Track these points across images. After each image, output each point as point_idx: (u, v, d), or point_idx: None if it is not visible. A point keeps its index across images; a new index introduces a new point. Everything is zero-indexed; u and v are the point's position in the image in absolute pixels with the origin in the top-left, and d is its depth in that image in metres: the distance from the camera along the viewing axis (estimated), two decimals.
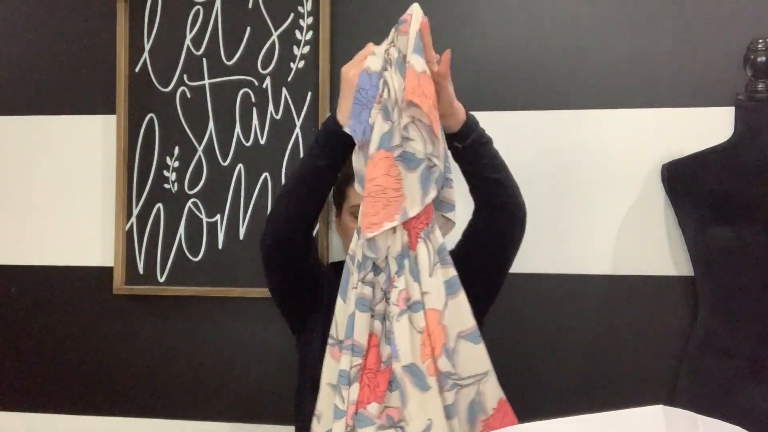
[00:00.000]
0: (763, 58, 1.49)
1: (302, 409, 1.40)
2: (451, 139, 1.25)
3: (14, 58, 1.86)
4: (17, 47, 1.86)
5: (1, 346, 1.86)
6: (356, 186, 1.26)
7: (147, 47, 1.78)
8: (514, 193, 1.29)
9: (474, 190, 1.30)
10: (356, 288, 1.20)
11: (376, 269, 1.21)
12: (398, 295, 1.18)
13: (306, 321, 1.44)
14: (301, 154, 1.70)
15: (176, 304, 1.77)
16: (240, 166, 1.74)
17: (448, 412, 1.17)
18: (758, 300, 1.48)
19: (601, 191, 1.62)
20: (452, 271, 1.20)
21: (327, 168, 1.29)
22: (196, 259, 1.75)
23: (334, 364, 1.22)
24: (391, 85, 1.19)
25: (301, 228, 1.33)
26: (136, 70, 1.78)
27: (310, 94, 1.71)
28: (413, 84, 1.15)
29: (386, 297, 1.21)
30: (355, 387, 1.19)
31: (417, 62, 1.17)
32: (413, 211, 1.18)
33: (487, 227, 1.31)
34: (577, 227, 1.63)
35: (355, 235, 1.23)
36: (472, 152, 1.26)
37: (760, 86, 1.50)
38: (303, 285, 1.40)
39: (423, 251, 1.19)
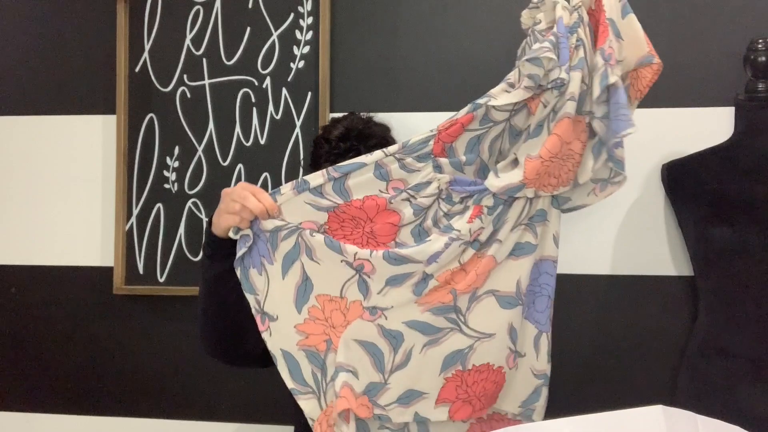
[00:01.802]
0: (763, 58, 1.49)
1: (301, 412, 1.40)
2: None
3: (14, 58, 1.86)
4: (17, 47, 1.86)
5: (1, 346, 1.86)
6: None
7: (147, 47, 1.78)
8: None
9: None
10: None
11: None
12: (477, 229, 1.17)
13: None
14: (302, 155, 1.71)
15: (176, 304, 1.77)
16: (240, 166, 1.74)
17: (419, 327, 1.18)
18: (758, 300, 1.48)
19: None
20: (529, 237, 1.21)
21: (226, 273, 1.23)
22: (196, 259, 1.75)
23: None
24: (588, 44, 1.16)
25: (233, 337, 1.28)
26: (136, 70, 1.78)
27: (310, 94, 1.71)
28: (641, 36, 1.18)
29: (442, 210, 1.20)
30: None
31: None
32: (583, 178, 1.19)
33: None
34: (577, 227, 1.63)
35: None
36: None
37: (760, 86, 1.50)
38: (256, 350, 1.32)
39: (519, 206, 1.20)
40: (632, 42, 1.18)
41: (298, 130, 1.72)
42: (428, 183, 1.18)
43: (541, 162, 1.15)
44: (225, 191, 1.20)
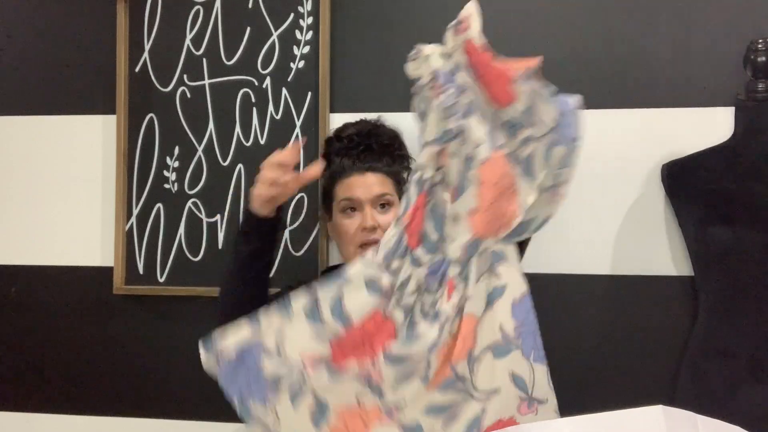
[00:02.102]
0: (763, 58, 1.49)
1: None
2: None
3: (14, 58, 1.86)
4: (17, 47, 1.86)
5: (1, 346, 1.86)
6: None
7: (147, 47, 1.78)
8: None
9: None
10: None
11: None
12: (459, 299, 1.16)
13: None
14: (302, 155, 1.70)
15: (176, 304, 1.77)
16: (240, 166, 1.74)
17: (431, 411, 1.16)
18: (758, 300, 1.48)
19: (601, 191, 1.61)
20: (495, 281, 1.18)
21: (260, 251, 1.31)
22: (196, 259, 1.75)
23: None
24: (471, 88, 1.15)
25: (255, 308, 1.28)
26: (136, 70, 1.78)
27: (310, 94, 1.71)
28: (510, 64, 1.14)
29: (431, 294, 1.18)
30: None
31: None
32: (530, 200, 1.15)
33: None
34: (577, 227, 1.63)
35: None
36: None
37: (760, 86, 1.50)
38: None
39: (475, 259, 1.17)
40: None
41: (298, 130, 1.72)
42: (408, 280, 1.17)
43: (484, 211, 1.14)
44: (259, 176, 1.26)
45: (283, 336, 1.18)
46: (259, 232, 1.32)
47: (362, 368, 1.17)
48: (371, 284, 1.17)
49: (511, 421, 1.18)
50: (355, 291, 1.17)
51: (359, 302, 1.17)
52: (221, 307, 1.35)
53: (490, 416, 1.17)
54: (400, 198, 1.35)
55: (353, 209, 1.40)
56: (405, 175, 1.45)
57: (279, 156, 1.25)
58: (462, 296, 1.16)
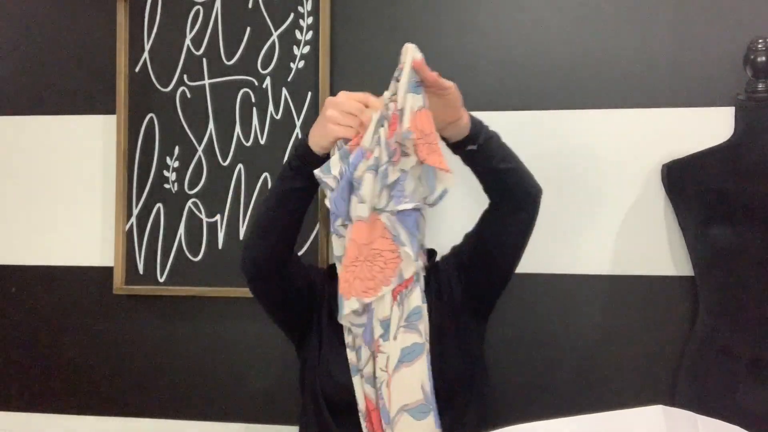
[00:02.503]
0: (763, 58, 1.49)
1: (303, 417, 1.40)
2: (463, 143, 1.22)
3: (14, 58, 1.86)
4: (17, 47, 1.86)
5: (1, 346, 1.86)
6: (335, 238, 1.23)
7: (147, 47, 1.78)
8: (528, 175, 1.28)
9: (489, 185, 1.28)
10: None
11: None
12: (386, 362, 1.16)
13: (304, 332, 1.41)
14: None
15: (176, 304, 1.77)
16: (240, 166, 1.74)
17: None
18: (758, 300, 1.48)
19: (601, 191, 1.61)
20: (415, 338, 1.17)
21: (303, 189, 1.28)
22: (196, 259, 1.75)
23: None
24: (383, 141, 1.15)
25: (281, 252, 1.31)
26: (136, 70, 1.78)
27: (310, 94, 1.71)
28: (413, 121, 1.13)
29: (373, 358, 1.20)
30: None
31: (413, 100, 1.14)
32: (408, 273, 1.17)
33: (503, 214, 1.29)
34: (577, 227, 1.63)
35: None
36: (485, 150, 1.24)
37: (760, 86, 1.50)
38: (293, 300, 1.38)
39: (395, 314, 1.18)
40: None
41: (298, 130, 1.72)
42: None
43: (344, 269, 1.16)
44: (330, 100, 1.23)
45: None
46: (309, 171, 1.24)
47: None
48: None
49: None
50: None
51: None
52: (252, 229, 1.33)
53: None
54: None
55: None
56: None
57: (363, 97, 1.22)
58: (365, 353, 1.18)
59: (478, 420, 1.33)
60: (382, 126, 1.16)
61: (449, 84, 1.18)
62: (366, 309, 1.19)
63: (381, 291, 1.16)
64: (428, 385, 1.17)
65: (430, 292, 1.30)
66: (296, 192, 1.27)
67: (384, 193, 1.16)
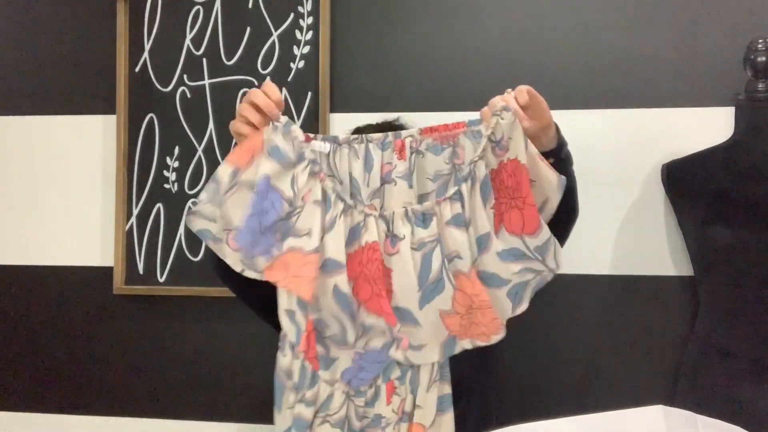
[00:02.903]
0: (763, 58, 1.49)
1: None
2: (547, 155, 1.14)
3: (14, 58, 1.86)
4: (17, 47, 1.86)
5: (1, 346, 1.86)
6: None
7: (147, 47, 1.78)
8: (576, 196, 1.25)
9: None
10: (291, 409, 1.16)
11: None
12: (400, 402, 1.15)
13: None
14: None
15: (176, 304, 1.77)
16: None
17: None
18: (758, 300, 1.48)
19: (601, 191, 1.61)
20: (447, 389, 1.16)
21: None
22: (196, 259, 1.75)
23: None
24: (467, 203, 1.10)
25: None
26: (136, 70, 1.78)
27: (310, 94, 1.71)
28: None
29: (358, 405, 1.16)
30: None
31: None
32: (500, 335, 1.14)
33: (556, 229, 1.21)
34: (577, 227, 1.62)
35: (287, 355, 1.18)
36: (566, 164, 1.19)
37: (760, 86, 1.50)
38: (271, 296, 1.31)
39: (427, 368, 1.15)
40: (544, 176, 1.11)
41: None
42: (331, 398, 1.16)
43: (461, 317, 1.12)
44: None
45: None
46: None
47: None
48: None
49: None
50: None
51: None
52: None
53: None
54: None
55: None
56: None
57: (258, 98, 1.09)
58: (403, 401, 1.15)
59: (480, 421, 1.33)
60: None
61: (525, 89, 1.10)
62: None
63: (492, 339, 1.14)
64: None
65: None
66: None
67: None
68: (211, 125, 1.75)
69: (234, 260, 1.12)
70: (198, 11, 1.77)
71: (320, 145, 1.13)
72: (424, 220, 1.10)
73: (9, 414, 1.84)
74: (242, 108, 1.11)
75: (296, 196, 1.11)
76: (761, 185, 1.48)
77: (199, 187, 1.76)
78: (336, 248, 1.10)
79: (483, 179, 1.09)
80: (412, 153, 1.14)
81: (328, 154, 1.14)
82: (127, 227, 1.78)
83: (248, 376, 1.75)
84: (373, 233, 1.11)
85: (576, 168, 1.67)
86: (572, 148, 1.53)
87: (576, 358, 1.63)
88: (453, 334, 1.14)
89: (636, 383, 1.61)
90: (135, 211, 1.78)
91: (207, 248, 1.25)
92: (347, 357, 1.15)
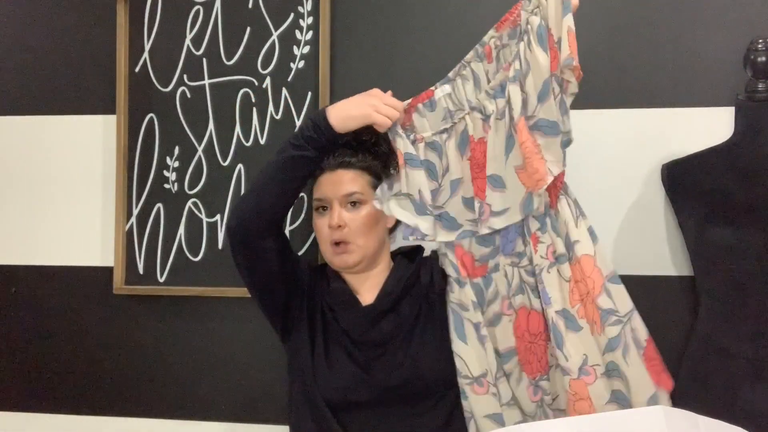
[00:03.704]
0: (763, 58, 1.49)
1: (296, 419, 1.40)
2: None
3: (14, 58, 1.86)
4: (17, 47, 1.86)
5: (1, 346, 1.86)
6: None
7: (147, 47, 1.78)
8: None
9: None
10: (480, 323, 1.36)
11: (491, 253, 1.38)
12: (547, 249, 1.33)
13: (287, 321, 1.43)
14: None
15: (176, 304, 1.77)
16: (240, 166, 1.74)
17: (611, 345, 1.31)
18: (758, 300, 1.48)
19: (601, 191, 1.61)
20: (589, 222, 1.35)
21: (310, 159, 1.33)
22: (196, 259, 1.75)
23: (482, 399, 1.33)
24: (523, 57, 1.29)
25: (269, 216, 1.35)
26: (136, 70, 1.78)
27: (310, 94, 1.71)
28: (573, 46, 1.24)
29: (523, 266, 1.36)
30: (524, 380, 1.36)
31: (569, 21, 1.25)
32: (557, 170, 1.30)
33: None
34: None
35: (456, 286, 1.39)
36: None
37: (760, 86, 1.50)
38: (275, 270, 1.40)
39: (565, 206, 1.34)
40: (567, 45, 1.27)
41: None
42: (505, 276, 1.38)
43: (525, 169, 1.30)
44: (376, 90, 1.39)
45: None
46: (324, 143, 1.34)
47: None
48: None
49: (650, 340, 1.36)
50: None
51: None
52: (248, 189, 1.44)
53: (641, 331, 1.35)
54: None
55: (324, 208, 1.40)
56: (384, 168, 1.42)
57: (397, 103, 1.39)
58: (559, 243, 1.33)
59: (449, 411, 1.37)
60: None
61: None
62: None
63: (548, 180, 1.29)
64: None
65: (420, 284, 1.40)
66: (303, 160, 1.33)
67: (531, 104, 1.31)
68: (211, 125, 1.75)
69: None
70: (198, 11, 1.77)
71: (442, 90, 1.41)
72: (502, 90, 1.32)
73: (9, 414, 1.84)
74: (382, 106, 1.36)
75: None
76: (761, 185, 1.48)
77: (199, 187, 1.76)
78: (452, 169, 1.36)
79: (537, 30, 1.27)
80: (497, 51, 1.37)
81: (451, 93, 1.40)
82: (127, 227, 1.78)
83: (248, 376, 1.75)
84: (471, 128, 1.35)
85: (576, 168, 1.68)
86: (572, 147, 1.55)
87: None
88: (529, 189, 1.31)
89: None
90: (135, 211, 1.78)
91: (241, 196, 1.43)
92: (497, 239, 1.37)
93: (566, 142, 1.31)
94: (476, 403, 1.33)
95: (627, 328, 1.33)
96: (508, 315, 1.37)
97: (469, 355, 1.34)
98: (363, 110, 1.33)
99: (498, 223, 1.34)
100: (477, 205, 1.35)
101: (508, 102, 1.31)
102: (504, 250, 1.37)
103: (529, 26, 1.28)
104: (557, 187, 1.34)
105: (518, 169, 1.32)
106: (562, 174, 1.33)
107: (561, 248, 1.33)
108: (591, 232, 1.35)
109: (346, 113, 1.33)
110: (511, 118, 1.30)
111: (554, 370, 1.35)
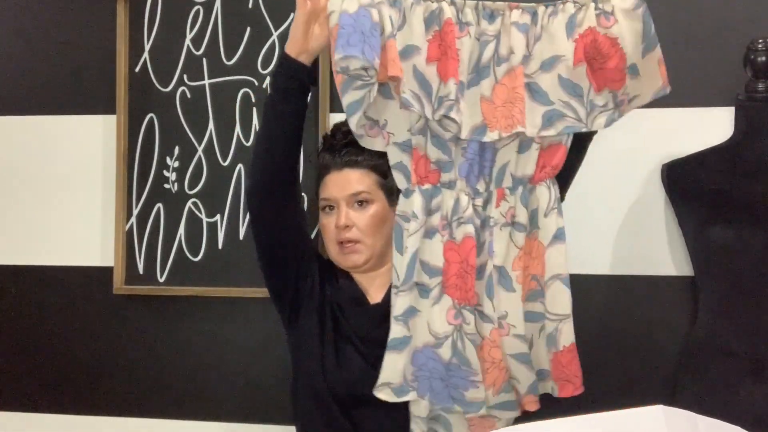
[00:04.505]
0: (763, 58, 1.49)
1: (302, 413, 1.40)
2: None
3: (14, 58, 1.86)
4: (17, 47, 1.86)
5: (1, 346, 1.86)
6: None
7: (147, 47, 1.78)
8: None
9: None
10: (417, 233, 1.32)
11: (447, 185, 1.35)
12: (507, 210, 1.34)
13: (297, 308, 1.42)
14: (301, 155, 1.70)
15: (176, 304, 1.77)
16: (240, 166, 1.74)
17: (528, 317, 1.35)
18: (758, 300, 1.48)
19: (601, 191, 1.61)
20: (562, 223, 1.35)
21: (291, 90, 1.33)
22: (196, 259, 1.75)
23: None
24: (540, 23, 1.30)
25: (282, 168, 1.35)
26: (136, 70, 1.78)
27: (309, 94, 1.70)
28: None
29: (477, 204, 1.34)
30: (446, 300, 1.33)
31: None
32: (530, 132, 1.29)
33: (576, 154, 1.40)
34: (577, 227, 1.62)
35: (402, 198, 1.35)
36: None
37: (760, 86, 1.50)
38: (290, 240, 1.40)
39: (544, 192, 1.34)
40: (650, 77, 1.30)
41: None
42: (458, 201, 1.34)
43: (495, 107, 1.30)
44: None
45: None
46: (296, 86, 1.33)
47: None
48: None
49: (573, 347, 1.35)
50: None
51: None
52: (254, 146, 1.44)
53: (566, 336, 1.34)
54: (387, 190, 1.40)
55: (331, 207, 1.40)
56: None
57: None
58: (521, 213, 1.34)
59: None
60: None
61: None
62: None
63: (515, 128, 1.29)
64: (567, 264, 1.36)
65: None
66: (285, 93, 1.34)
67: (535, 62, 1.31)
68: (211, 125, 1.75)
69: (380, 144, 1.36)
70: (198, 11, 1.77)
71: None
72: (491, 15, 1.30)
73: (9, 414, 1.84)
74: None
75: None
76: (761, 185, 1.48)
77: (199, 187, 1.76)
78: (413, 34, 1.29)
79: (570, 17, 1.28)
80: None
81: None
82: (127, 227, 1.78)
83: (248, 376, 1.75)
84: (448, 13, 1.29)
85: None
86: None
87: None
88: (485, 121, 1.30)
89: (636, 383, 1.60)
90: (135, 211, 1.78)
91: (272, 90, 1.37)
92: (458, 153, 1.34)
93: (569, 129, 1.31)
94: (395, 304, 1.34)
95: (547, 325, 1.34)
96: (442, 235, 1.34)
97: (401, 265, 1.32)
98: (296, 15, 1.31)
99: (453, 125, 1.30)
100: (438, 86, 1.30)
101: (504, 43, 1.30)
102: (461, 172, 1.34)
103: (561, 5, 1.29)
104: (546, 172, 1.34)
105: (484, 99, 1.31)
106: (559, 159, 1.34)
107: (522, 218, 1.34)
108: (560, 231, 1.34)
109: (290, 33, 1.33)
110: (506, 59, 1.30)
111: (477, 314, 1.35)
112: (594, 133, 1.37)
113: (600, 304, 1.63)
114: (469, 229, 1.32)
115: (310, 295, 1.41)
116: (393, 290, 1.33)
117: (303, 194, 1.69)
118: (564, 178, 1.39)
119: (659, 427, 0.88)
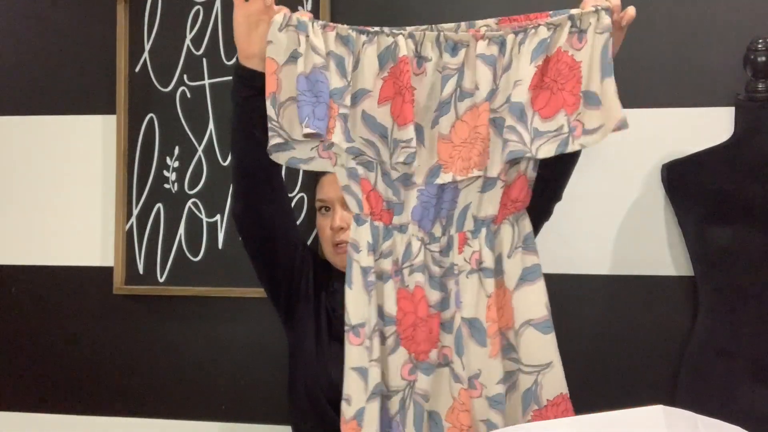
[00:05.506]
0: (763, 58, 1.49)
1: (297, 413, 1.40)
2: None
3: (14, 58, 1.86)
4: (17, 47, 1.86)
5: (1, 346, 1.86)
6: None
7: (147, 47, 1.78)
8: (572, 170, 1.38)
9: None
10: (371, 268, 1.23)
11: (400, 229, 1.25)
12: (471, 255, 1.22)
13: (292, 309, 1.42)
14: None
15: (176, 304, 1.77)
16: None
17: (504, 379, 1.21)
18: (758, 300, 1.48)
19: (601, 191, 1.61)
20: (535, 260, 1.24)
21: (248, 97, 1.27)
22: (196, 259, 1.75)
23: (355, 350, 1.23)
24: (509, 51, 1.20)
25: (259, 158, 1.28)
26: (136, 70, 1.78)
27: None
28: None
29: (434, 250, 1.24)
30: (401, 352, 1.23)
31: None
32: (493, 172, 1.21)
33: (557, 175, 1.34)
34: (577, 227, 1.63)
35: (354, 224, 1.26)
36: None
37: (760, 86, 1.50)
38: (278, 233, 1.37)
39: (507, 231, 1.24)
40: (610, 108, 1.15)
41: None
42: (409, 246, 1.25)
43: (453, 146, 1.21)
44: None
45: None
46: (243, 74, 1.28)
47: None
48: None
49: (564, 398, 1.22)
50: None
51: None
52: (232, 171, 1.35)
53: (548, 390, 1.22)
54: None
55: (327, 209, 1.40)
56: None
57: None
58: (487, 255, 1.22)
59: None
60: None
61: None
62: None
63: (472, 173, 1.20)
64: (548, 305, 1.24)
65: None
66: (244, 100, 1.27)
67: (500, 96, 1.21)
68: (211, 125, 1.75)
69: (330, 165, 1.27)
70: (198, 11, 1.77)
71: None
72: (454, 48, 1.21)
73: (9, 414, 1.84)
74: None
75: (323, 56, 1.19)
76: (761, 185, 1.48)
77: (199, 187, 1.76)
78: (364, 77, 1.21)
79: (540, 41, 1.17)
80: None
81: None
82: (127, 227, 1.78)
83: (248, 376, 1.75)
84: (403, 49, 1.20)
85: (576, 168, 1.67)
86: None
87: (576, 358, 1.62)
88: (440, 161, 1.22)
89: (636, 383, 1.60)
90: (135, 211, 1.78)
91: (235, 112, 1.30)
92: (412, 196, 1.25)
93: (524, 158, 1.22)
94: (349, 354, 1.22)
95: (522, 379, 1.22)
96: (395, 281, 1.24)
97: (351, 301, 1.23)
98: (234, 16, 1.24)
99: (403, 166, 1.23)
100: (392, 128, 1.22)
101: (468, 77, 1.20)
102: (414, 215, 1.25)
103: (533, 31, 1.17)
104: (508, 208, 1.25)
105: (442, 138, 1.22)
106: (523, 202, 1.26)
107: (489, 263, 1.22)
108: (530, 271, 1.23)
109: (235, 38, 1.27)
110: (470, 94, 1.20)
111: (441, 368, 1.25)
112: (579, 151, 1.24)
113: (600, 304, 1.63)
114: (419, 278, 1.23)
115: (305, 297, 1.40)
116: (345, 328, 1.23)
117: (302, 194, 1.69)
118: (552, 190, 1.34)
119: (659, 427, 0.88)
